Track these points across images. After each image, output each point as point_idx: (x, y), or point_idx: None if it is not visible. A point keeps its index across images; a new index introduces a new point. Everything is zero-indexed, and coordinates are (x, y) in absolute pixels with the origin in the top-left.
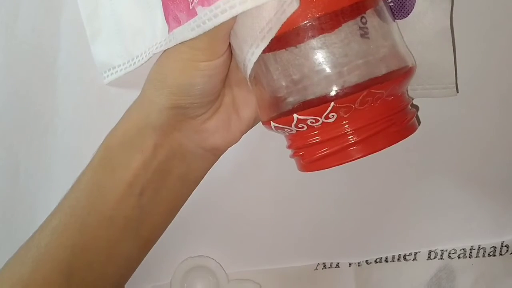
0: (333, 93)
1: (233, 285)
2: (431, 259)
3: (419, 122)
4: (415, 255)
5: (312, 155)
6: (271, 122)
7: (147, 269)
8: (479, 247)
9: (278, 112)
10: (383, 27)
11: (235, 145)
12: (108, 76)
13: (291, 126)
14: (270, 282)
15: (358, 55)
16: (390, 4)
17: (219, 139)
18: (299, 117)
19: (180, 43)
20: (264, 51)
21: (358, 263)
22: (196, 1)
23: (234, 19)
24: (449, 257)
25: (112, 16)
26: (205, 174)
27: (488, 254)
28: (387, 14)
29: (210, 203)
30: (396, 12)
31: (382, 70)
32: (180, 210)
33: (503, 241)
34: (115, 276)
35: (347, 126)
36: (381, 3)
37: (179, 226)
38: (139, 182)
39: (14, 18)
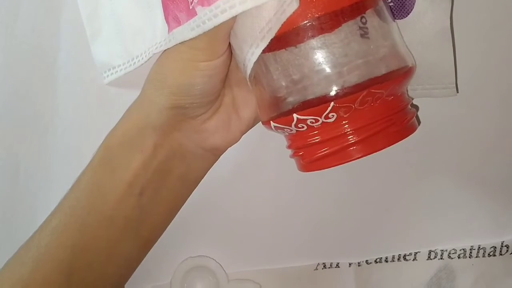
0: (333, 93)
1: (233, 285)
2: (431, 259)
3: (419, 122)
4: (415, 255)
5: (312, 155)
6: (271, 122)
7: (147, 269)
8: (479, 247)
9: (278, 112)
10: (383, 27)
11: (235, 145)
12: (108, 76)
13: (291, 126)
14: (270, 282)
15: (358, 55)
16: (390, 4)
17: (219, 139)
18: (299, 117)
19: (180, 43)
20: (264, 51)
21: (358, 263)
22: (196, 1)
23: (234, 19)
24: (449, 257)
25: (112, 16)
26: (205, 174)
27: (488, 254)
28: (387, 14)
29: (210, 203)
30: (396, 12)
31: (382, 70)
32: (180, 210)
33: (503, 241)
34: (115, 276)
35: (347, 126)
36: (381, 3)
37: (179, 226)
38: (139, 182)
39: (14, 18)
